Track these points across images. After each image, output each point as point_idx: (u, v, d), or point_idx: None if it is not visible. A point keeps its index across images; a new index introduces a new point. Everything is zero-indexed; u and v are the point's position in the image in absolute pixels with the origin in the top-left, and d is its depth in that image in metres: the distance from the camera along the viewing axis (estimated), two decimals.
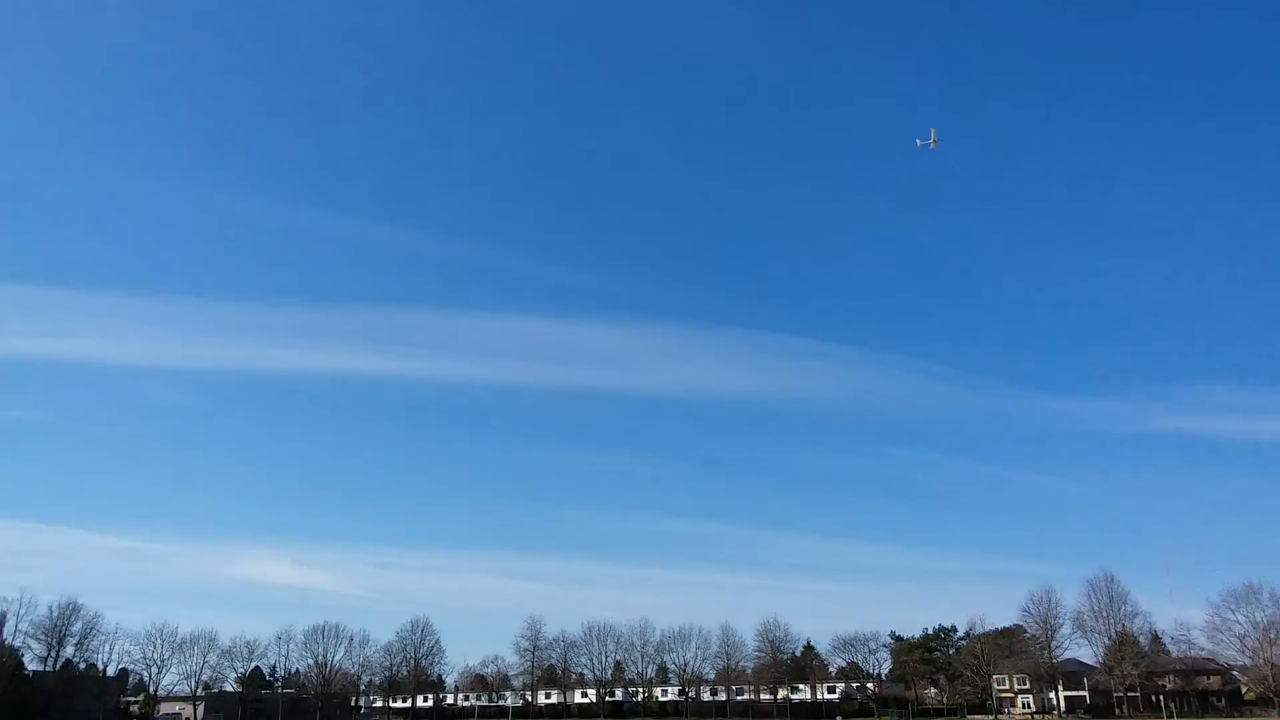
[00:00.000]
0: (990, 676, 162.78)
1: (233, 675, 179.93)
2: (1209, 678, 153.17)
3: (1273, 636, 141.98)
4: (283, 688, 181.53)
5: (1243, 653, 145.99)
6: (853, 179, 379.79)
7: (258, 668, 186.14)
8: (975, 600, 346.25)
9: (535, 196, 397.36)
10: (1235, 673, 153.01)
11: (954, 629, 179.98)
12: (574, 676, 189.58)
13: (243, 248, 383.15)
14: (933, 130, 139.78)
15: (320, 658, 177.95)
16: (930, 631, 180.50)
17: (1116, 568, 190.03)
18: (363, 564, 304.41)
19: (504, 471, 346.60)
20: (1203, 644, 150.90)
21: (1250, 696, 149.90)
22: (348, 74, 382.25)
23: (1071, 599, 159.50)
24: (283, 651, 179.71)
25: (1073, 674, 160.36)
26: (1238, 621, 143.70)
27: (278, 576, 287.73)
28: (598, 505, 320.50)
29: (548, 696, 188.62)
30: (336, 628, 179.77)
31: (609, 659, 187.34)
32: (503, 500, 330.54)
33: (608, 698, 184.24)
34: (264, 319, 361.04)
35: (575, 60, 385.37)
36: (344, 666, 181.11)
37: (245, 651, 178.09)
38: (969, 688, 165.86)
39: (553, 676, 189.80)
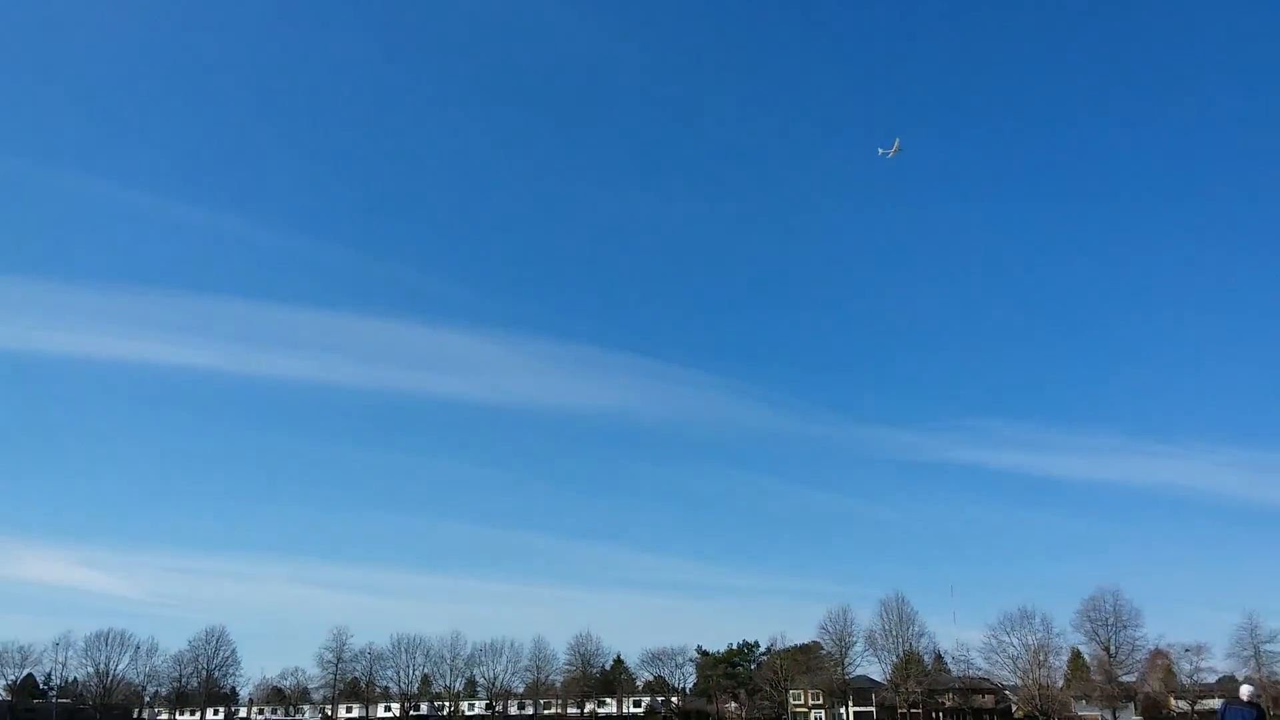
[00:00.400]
0: (787, 691, 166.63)
1: (1, 683, 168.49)
2: (984, 696, 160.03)
3: (1042, 659, 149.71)
4: (58, 697, 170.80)
5: (1015, 673, 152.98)
6: (701, 192, 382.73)
7: (31, 675, 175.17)
8: (779, 617, 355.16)
9: (371, 189, 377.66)
10: (1008, 692, 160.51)
11: (757, 645, 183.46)
12: (378, 690, 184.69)
13: (38, 222, 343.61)
14: (896, 140, 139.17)
15: (101, 666, 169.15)
16: (734, 647, 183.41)
17: (908, 589, 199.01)
18: (155, 568, 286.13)
19: (315, 474, 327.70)
20: (980, 664, 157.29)
21: (1019, 714, 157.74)
22: (175, 51, 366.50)
23: (866, 618, 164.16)
24: (60, 658, 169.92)
25: (862, 690, 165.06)
26: (1012, 644, 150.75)
27: (59, 578, 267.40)
28: (415, 513, 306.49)
29: (349, 710, 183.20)
30: (122, 635, 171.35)
31: (417, 672, 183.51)
32: (312, 504, 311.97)
33: (412, 711, 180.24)
34: (52, 299, 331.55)
35: (418, 52, 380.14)
36: (128, 676, 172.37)
37: (17, 658, 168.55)
38: (767, 702, 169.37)
39: (356, 690, 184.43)
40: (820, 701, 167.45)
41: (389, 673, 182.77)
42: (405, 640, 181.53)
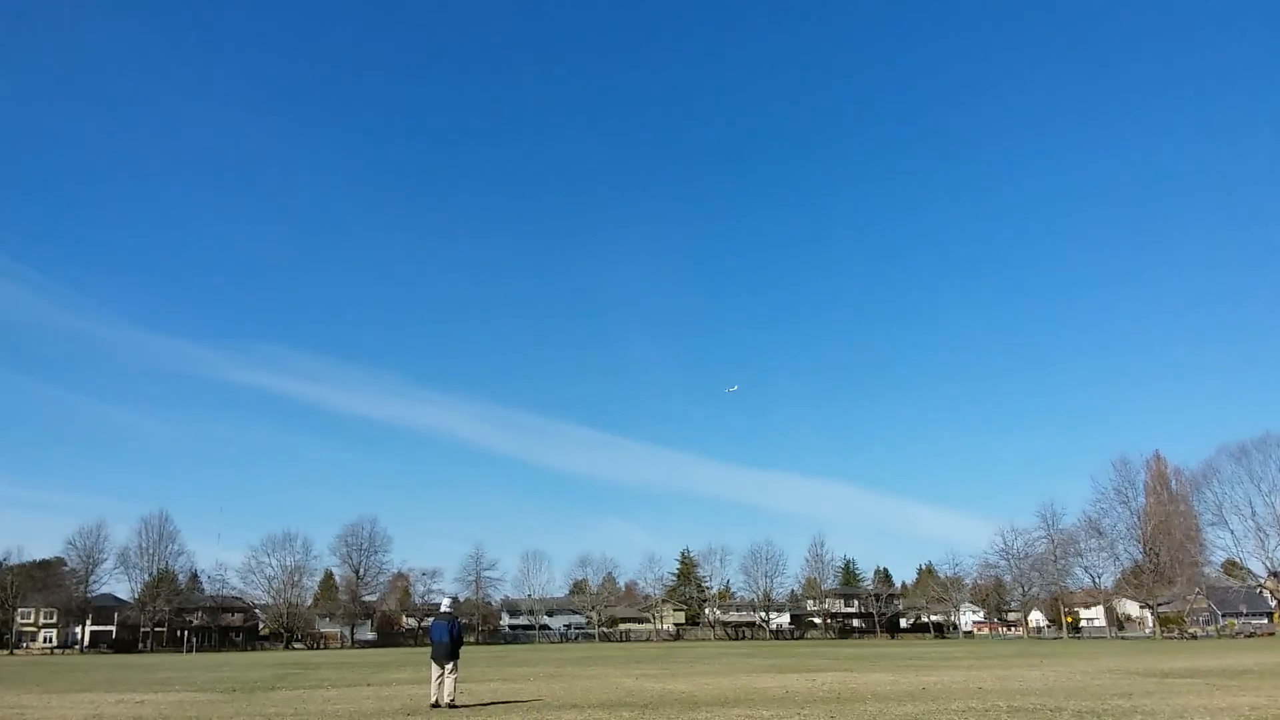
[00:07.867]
0: (15, 610, 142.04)
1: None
2: (233, 614, 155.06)
3: (296, 579, 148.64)
4: None
5: (268, 592, 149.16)
6: None
7: None
8: (19, 530, 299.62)
9: None
10: (258, 610, 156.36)
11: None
12: None
13: None
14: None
15: None
16: None
17: (175, 507, 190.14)
18: None
19: None
20: (236, 583, 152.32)
21: (265, 632, 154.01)
22: None
23: (123, 534, 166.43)
24: None
25: (106, 609, 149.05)
26: (270, 564, 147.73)
27: None
28: None
29: None
30: None
31: None
32: None
33: None
34: None
35: None
36: None
37: None
38: None
39: None
40: (54, 621, 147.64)
41: None
42: None
